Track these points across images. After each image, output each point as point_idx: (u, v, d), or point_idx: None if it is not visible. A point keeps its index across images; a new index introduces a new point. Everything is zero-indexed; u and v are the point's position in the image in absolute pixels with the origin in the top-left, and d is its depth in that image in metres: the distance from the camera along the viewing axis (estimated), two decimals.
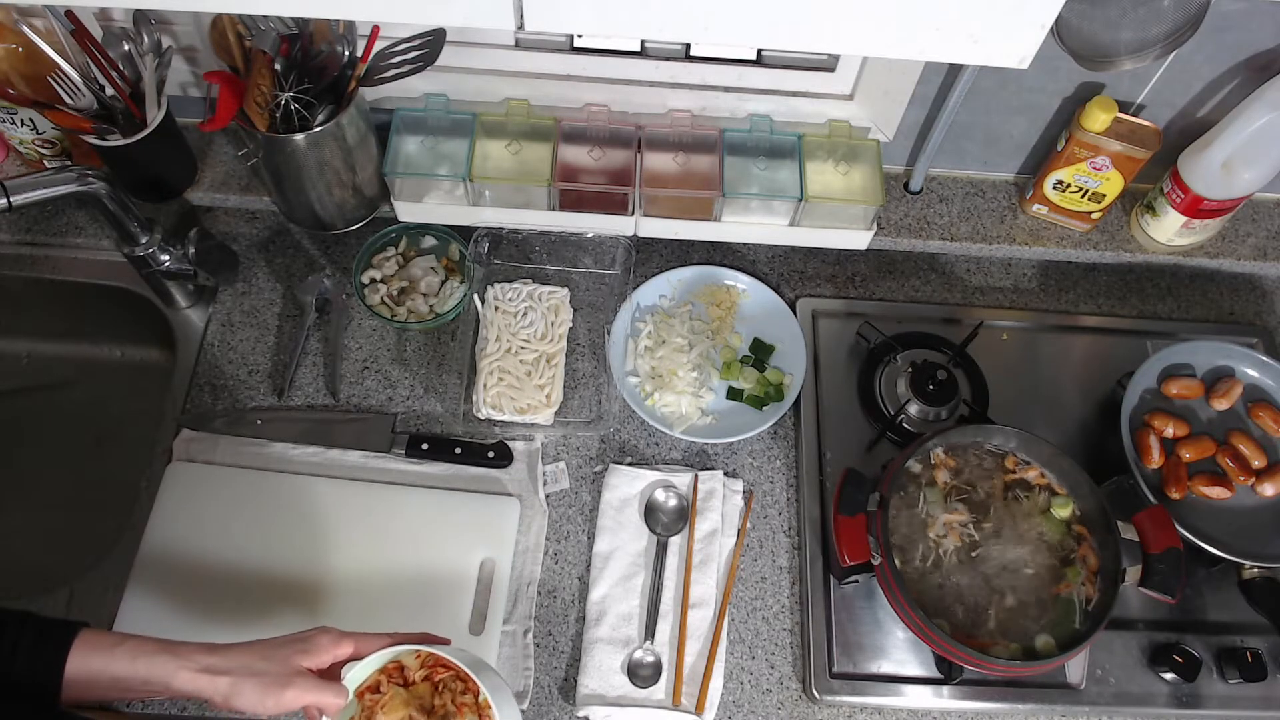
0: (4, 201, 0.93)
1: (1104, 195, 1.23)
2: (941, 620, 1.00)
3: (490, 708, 0.81)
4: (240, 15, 1.05)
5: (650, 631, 1.06)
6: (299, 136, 1.09)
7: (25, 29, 1.06)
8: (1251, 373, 1.22)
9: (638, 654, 1.05)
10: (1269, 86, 1.10)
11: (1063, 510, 1.06)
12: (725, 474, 1.16)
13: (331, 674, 0.81)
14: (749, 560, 1.12)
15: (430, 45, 1.09)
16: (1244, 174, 1.18)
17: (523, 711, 1.01)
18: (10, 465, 1.32)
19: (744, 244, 1.33)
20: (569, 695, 1.04)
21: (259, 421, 1.16)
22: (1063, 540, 1.05)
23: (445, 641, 0.85)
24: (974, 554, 1.04)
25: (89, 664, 0.77)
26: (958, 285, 1.34)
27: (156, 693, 0.78)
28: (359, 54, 1.09)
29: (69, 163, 1.23)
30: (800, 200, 1.19)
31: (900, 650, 1.07)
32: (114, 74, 1.08)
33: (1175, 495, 1.12)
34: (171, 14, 1.13)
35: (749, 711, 1.04)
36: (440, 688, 0.84)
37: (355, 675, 0.81)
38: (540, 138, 1.21)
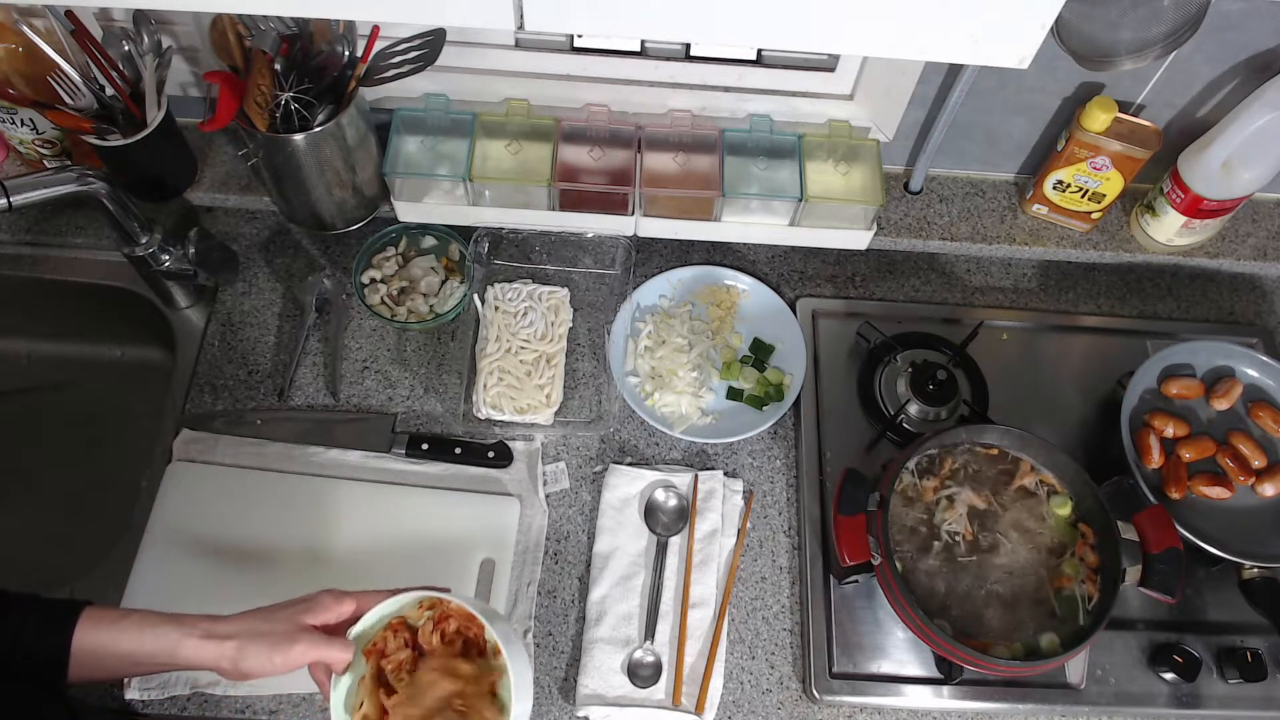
0: (4, 201, 0.93)
1: (1104, 195, 1.23)
2: (942, 620, 1.00)
3: (501, 654, 0.80)
4: (240, 15, 1.05)
5: (650, 631, 1.06)
6: (299, 136, 1.09)
7: (25, 29, 1.06)
8: (1251, 373, 1.22)
9: (638, 654, 1.05)
10: (1269, 86, 1.10)
11: (1062, 509, 1.06)
12: (725, 474, 1.16)
13: (336, 634, 0.81)
14: (749, 560, 1.12)
15: (430, 45, 1.09)
16: (1244, 174, 1.18)
17: None
18: (10, 465, 1.32)
19: (744, 244, 1.33)
20: (569, 695, 1.04)
21: (259, 421, 1.16)
22: (1062, 540, 1.05)
23: (444, 591, 0.85)
24: (974, 553, 1.04)
25: (95, 638, 0.77)
26: (958, 285, 1.34)
27: (163, 665, 0.78)
28: (359, 54, 1.09)
29: (69, 163, 1.23)
30: (800, 200, 1.19)
31: (900, 650, 1.07)
32: (114, 74, 1.08)
33: (1175, 495, 1.12)
34: (171, 14, 1.13)
35: (749, 711, 1.04)
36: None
37: (360, 630, 0.82)
38: (540, 138, 1.21)
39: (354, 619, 0.82)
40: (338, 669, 0.80)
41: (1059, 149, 1.20)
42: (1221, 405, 1.19)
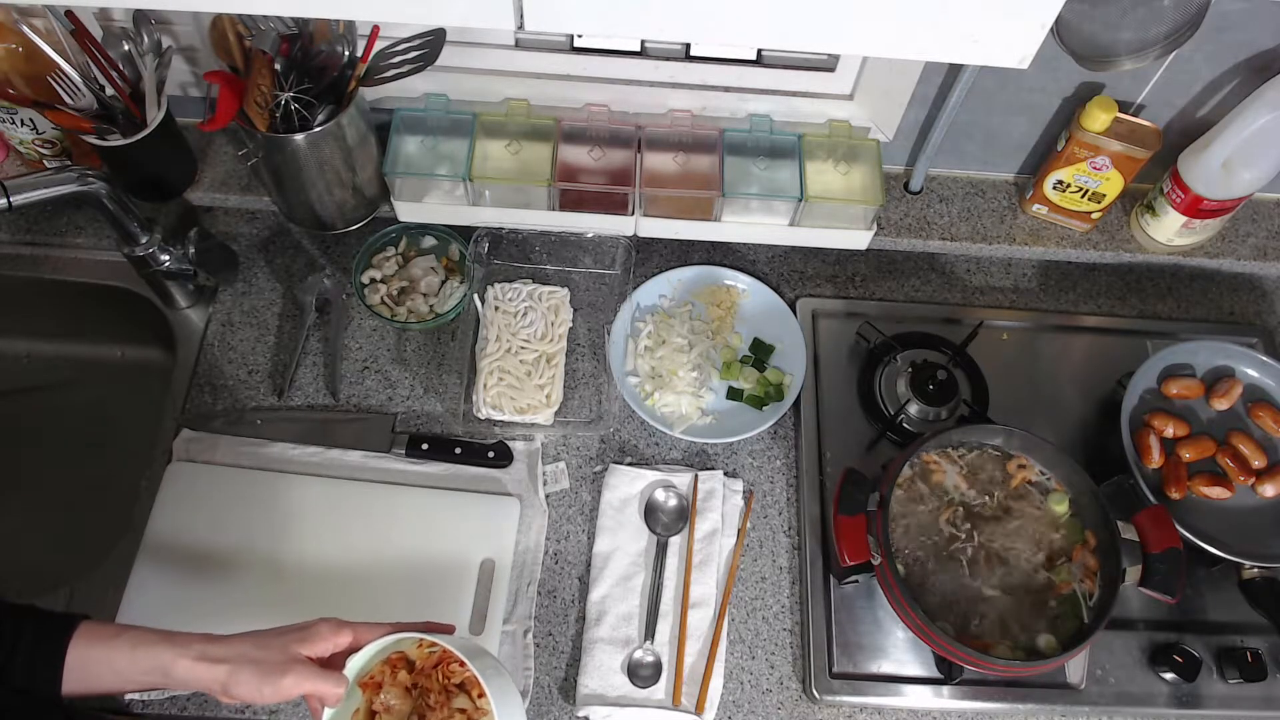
0: (4, 201, 0.93)
1: (1104, 195, 1.23)
2: (943, 621, 1.00)
3: (487, 697, 0.80)
4: (240, 15, 1.05)
5: (650, 631, 1.06)
6: (299, 136, 1.09)
7: (25, 29, 1.06)
8: (1251, 373, 1.22)
9: (638, 654, 1.05)
10: (1269, 86, 1.10)
11: (1059, 505, 1.06)
12: (725, 474, 1.16)
13: (333, 664, 0.81)
14: (749, 560, 1.12)
15: (430, 45, 1.09)
16: (1244, 174, 1.18)
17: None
18: (10, 465, 1.32)
19: (744, 244, 1.33)
20: (569, 695, 1.04)
21: (259, 421, 1.16)
22: (1063, 539, 1.05)
23: (448, 629, 0.85)
24: (974, 553, 1.04)
25: (89, 655, 0.77)
26: (958, 285, 1.34)
27: (156, 683, 0.78)
28: (359, 54, 1.09)
29: (69, 163, 1.23)
30: (800, 200, 1.19)
31: (900, 650, 1.07)
32: (114, 74, 1.08)
33: (1175, 495, 1.12)
34: (171, 14, 1.13)
35: (749, 711, 1.04)
36: (436, 676, 0.84)
37: (355, 664, 0.81)
38: (540, 138, 1.21)
39: (350, 650, 0.81)
40: (330, 703, 0.79)
41: (1059, 149, 1.20)
42: (1221, 405, 1.19)
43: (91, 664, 0.77)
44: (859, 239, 1.25)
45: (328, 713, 0.80)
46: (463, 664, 0.82)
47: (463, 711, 0.83)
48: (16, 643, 0.77)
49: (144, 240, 1.12)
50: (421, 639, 0.84)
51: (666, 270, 1.28)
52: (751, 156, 1.22)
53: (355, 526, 1.08)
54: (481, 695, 0.81)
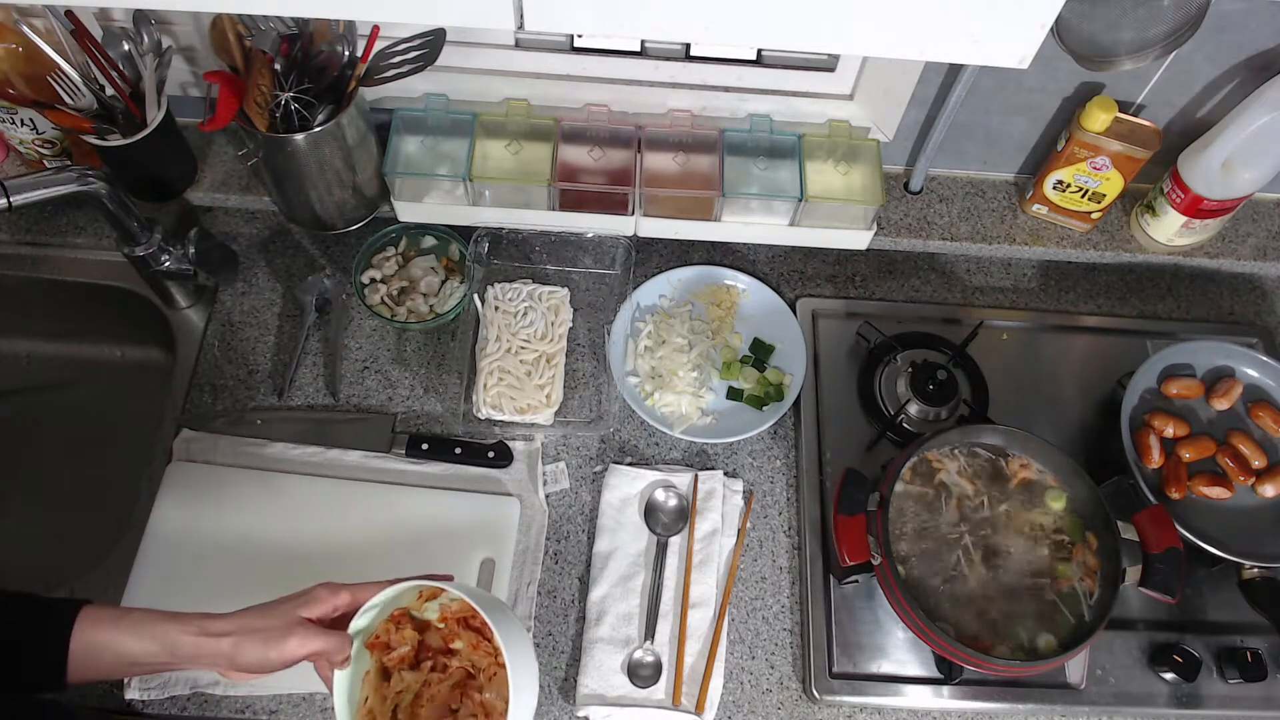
0: (4, 201, 0.93)
1: (1104, 195, 1.24)
2: (942, 621, 1.00)
3: (495, 637, 0.79)
4: (240, 15, 1.05)
5: (650, 631, 1.06)
6: (299, 136, 1.09)
7: (25, 29, 1.06)
8: (1251, 373, 1.22)
9: (638, 654, 1.05)
10: (1269, 86, 1.10)
11: (1059, 505, 1.06)
12: (725, 474, 1.16)
13: (337, 628, 0.81)
14: (749, 560, 1.12)
15: (430, 45, 1.09)
16: (1244, 174, 1.18)
17: None
18: (10, 465, 1.32)
19: (744, 244, 1.33)
20: (569, 695, 1.04)
21: (259, 421, 1.16)
22: (1062, 539, 1.05)
23: (447, 578, 0.84)
24: (974, 553, 1.04)
25: (94, 638, 0.77)
26: (958, 285, 1.34)
27: (162, 664, 0.78)
28: (359, 54, 1.09)
29: (69, 163, 1.23)
30: (800, 200, 1.19)
31: (900, 650, 1.07)
32: (114, 74, 1.08)
33: (1175, 495, 1.12)
34: (171, 14, 1.13)
35: (749, 711, 1.04)
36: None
37: (359, 623, 0.81)
38: (540, 138, 1.21)
39: (351, 611, 0.81)
40: (335, 661, 0.79)
41: (1059, 149, 1.20)
42: (1221, 405, 1.19)
43: (96, 647, 0.77)
44: (859, 239, 1.25)
45: (339, 676, 0.80)
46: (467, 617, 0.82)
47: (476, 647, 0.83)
48: (20, 632, 0.77)
49: (144, 240, 1.12)
50: (421, 589, 0.83)
51: (666, 270, 1.28)
52: (751, 156, 1.22)
53: (355, 526, 1.08)
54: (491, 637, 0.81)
